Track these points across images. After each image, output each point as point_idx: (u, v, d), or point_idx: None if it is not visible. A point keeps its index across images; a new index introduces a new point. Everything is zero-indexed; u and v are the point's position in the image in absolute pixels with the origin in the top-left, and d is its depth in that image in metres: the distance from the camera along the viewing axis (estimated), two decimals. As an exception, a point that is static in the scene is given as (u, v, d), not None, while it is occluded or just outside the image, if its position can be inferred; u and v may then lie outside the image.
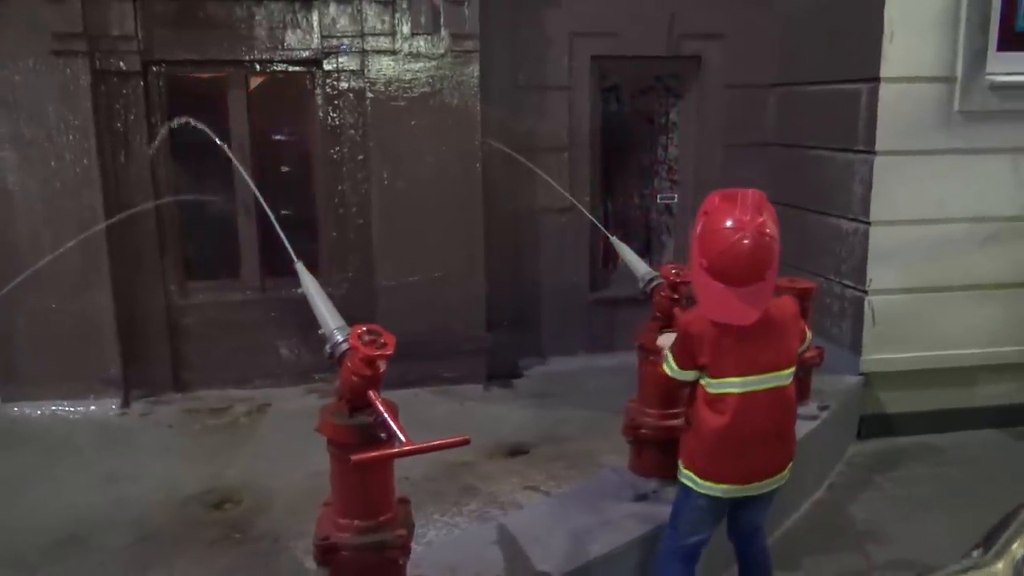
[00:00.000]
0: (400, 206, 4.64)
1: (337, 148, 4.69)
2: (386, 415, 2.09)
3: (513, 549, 2.69)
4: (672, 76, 5.24)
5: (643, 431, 3.02)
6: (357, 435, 2.14)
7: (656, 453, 3.02)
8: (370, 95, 4.54)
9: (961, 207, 4.28)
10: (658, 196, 5.39)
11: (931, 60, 4.11)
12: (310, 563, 3.03)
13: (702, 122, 5.18)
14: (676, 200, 5.32)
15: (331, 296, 4.65)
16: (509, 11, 4.72)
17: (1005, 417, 4.54)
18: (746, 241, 2.27)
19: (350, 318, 4.77)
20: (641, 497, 2.99)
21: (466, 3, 4.45)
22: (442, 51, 4.51)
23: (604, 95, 5.18)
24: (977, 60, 4.12)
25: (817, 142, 4.69)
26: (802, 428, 3.12)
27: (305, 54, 4.56)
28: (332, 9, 4.48)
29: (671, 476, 2.99)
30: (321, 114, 4.66)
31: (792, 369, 2.45)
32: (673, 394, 2.87)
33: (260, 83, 4.72)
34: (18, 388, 4.47)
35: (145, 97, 4.46)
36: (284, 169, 4.85)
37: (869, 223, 4.23)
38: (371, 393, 2.13)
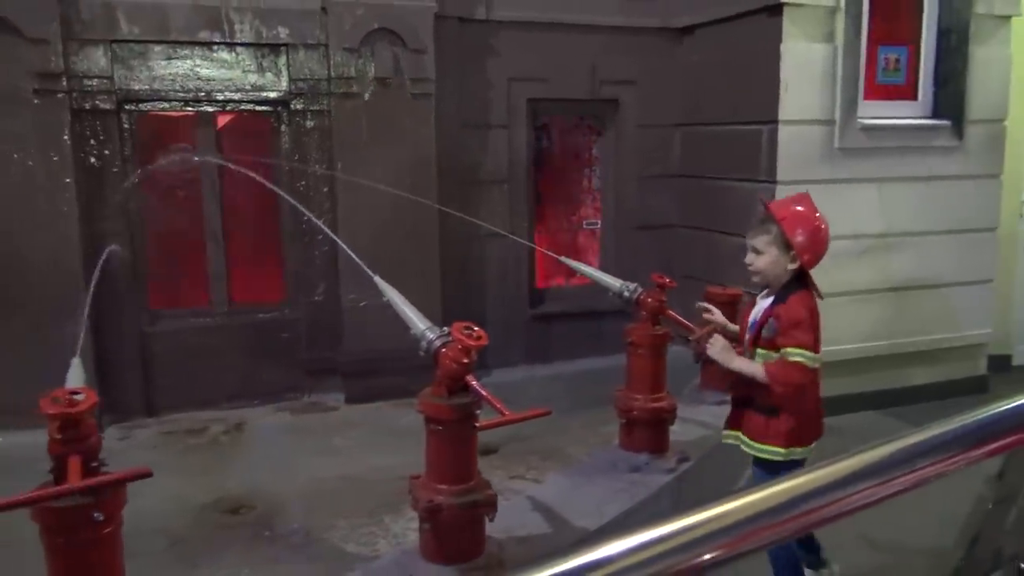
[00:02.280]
0: (363, 233, 5.06)
1: (303, 181, 5.06)
2: (484, 392, 2.57)
3: (548, 514, 3.21)
4: (594, 116, 5.97)
5: (635, 412, 3.62)
6: (456, 412, 2.61)
7: (645, 430, 3.64)
8: (335, 133, 4.96)
9: (842, 227, 5.15)
10: (584, 221, 6.07)
11: (817, 106, 5.02)
12: (350, 548, 3.45)
13: (619, 156, 5.93)
14: (599, 224, 6.03)
15: (299, 318, 5.07)
16: (457, 59, 5.28)
17: (881, 400, 5.49)
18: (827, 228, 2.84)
19: (318, 337, 5.17)
20: (635, 469, 3.58)
21: (425, 53, 4.97)
22: (403, 94, 5.00)
23: (536, 133, 5.82)
24: (850, 107, 5.08)
25: (722, 173, 5.52)
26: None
27: (273, 95, 4.92)
28: (301, 54, 4.87)
29: (659, 450, 3.63)
30: (287, 150, 5.02)
31: None
32: (659, 381, 3.49)
33: (229, 121, 5.02)
34: (-6, 418, 4.51)
35: (119, 134, 4.68)
36: (252, 201, 5.14)
37: (773, 241, 5.06)
38: (469, 377, 2.60)
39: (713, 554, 0.84)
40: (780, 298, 2.78)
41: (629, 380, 3.69)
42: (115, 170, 4.67)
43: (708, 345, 2.89)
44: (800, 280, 2.80)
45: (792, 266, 2.77)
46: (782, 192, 5.01)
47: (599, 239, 6.11)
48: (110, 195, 4.68)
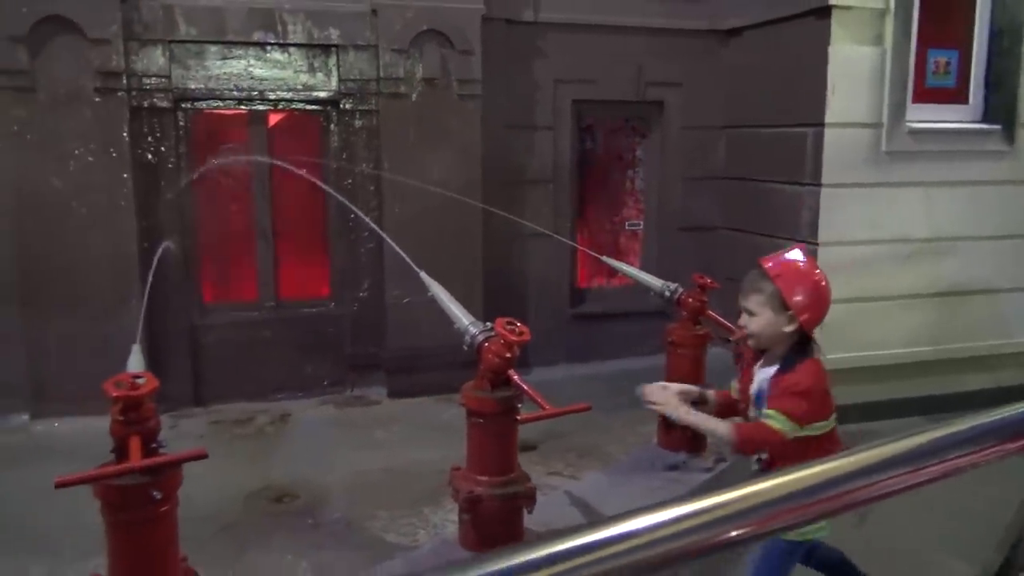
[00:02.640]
0: (408, 231, 5.14)
1: (350, 180, 5.17)
2: (526, 387, 2.63)
3: (586, 509, 3.25)
4: (639, 118, 5.99)
5: (674, 413, 3.64)
6: (498, 406, 2.67)
7: (684, 430, 3.64)
8: (383, 132, 5.06)
9: (887, 230, 5.16)
10: (626, 222, 6.10)
11: (864, 109, 4.99)
12: (390, 537, 3.54)
13: (664, 158, 5.95)
14: (641, 225, 6.05)
15: (344, 314, 5.17)
16: (503, 60, 5.34)
17: (927, 405, 5.42)
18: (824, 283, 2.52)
19: (362, 332, 5.27)
20: (672, 467, 3.61)
21: (472, 55, 5.04)
22: (450, 94, 5.08)
23: (581, 134, 5.86)
24: (898, 110, 5.03)
25: (766, 176, 5.51)
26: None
27: (323, 95, 5.04)
28: (351, 55, 4.98)
29: (696, 449, 3.65)
30: (336, 149, 5.13)
31: None
32: (699, 380, 3.50)
33: (280, 119, 5.15)
34: (47, 405, 4.69)
35: (175, 132, 4.83)
36: (300, 198, 5.27)
37: (818, 243, 5.05)
38: (511, 372, 2.66)
39: (741, 531, 0.88)
40: (785, 368, 2.47)
41: (669, 378, 3.70)
42: (170, 167, 4.82)
43: (649, 396, 2.65)
44: (803, 344, 2.48)
45: (790, 328, 2.44)
46: (826, 195, 5.00)
47: (641, 240, 6.12)
48: (165, 191, 4.83)
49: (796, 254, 2.59)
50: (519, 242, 5.61)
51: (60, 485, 1.92)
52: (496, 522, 2.74)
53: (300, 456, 4.51)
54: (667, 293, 3.74)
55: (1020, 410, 1.18)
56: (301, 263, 5.42)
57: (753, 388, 2.60)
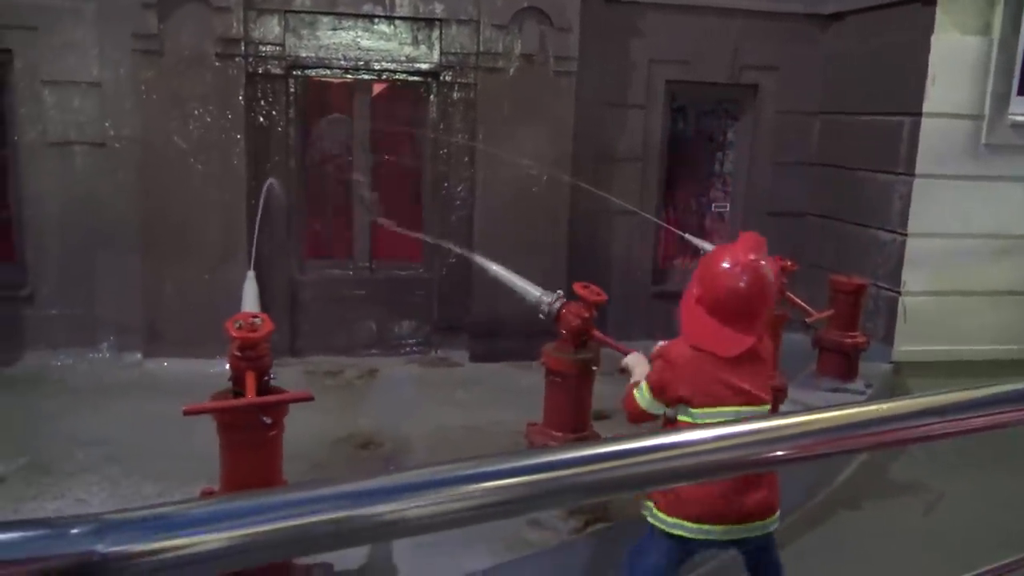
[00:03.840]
0: (499, 201, 5.33)
1: (446, 150, 5.38)
2: (611, 341, 2.77)
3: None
4: (731, 101, 6.01)
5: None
6: (579, 367, 2.83)
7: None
8: (480, 105, 5.24)
9: (982, 225, 5.07)
10: (712, 205, 6.15)
11: (964, 100, 4.91)
12: (468, 488, 3.75)
13: (755, 142, 5.96)
14: (728, 209, 6.09)
15: (433, 279, 5.39)
16: (599, 38, 5.44)
17: (1010, 405, 5.33)
18: (744, 281, 2.35)
19: (448, 298, 5.49)
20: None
21: (570, 32, 5.17)
22: (546, 71, 5.22)
23: (672, 115, 5.93)
24: (1001, 102, 4.93)
25: (858, 164, 5.47)
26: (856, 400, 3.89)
27: (425, 66, 5.25)
28: (453, 29, 5.17)
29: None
30: (434, 120, 5.35)
31: (768, 406, 2.47)
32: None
33: (383, 89, 5.39)
34: (160, 346, 5.08)
35: (286, 97, 5.12)
36: (398, 165, 5.51)
37: (906, 235, 5.01)
38: (594, 329, 2.81)
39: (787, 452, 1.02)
40: None
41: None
42: (279, 130, 5.12)
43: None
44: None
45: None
46: (919, 186, 4.96)
47: (727, 223, 6.16)
48: (274, 152, 5.13)
49: (739, 241, 2.50)
50: (605, 218, 5.73)
51: (188, 413, 2.18)
52: (568, 475, 2.91)
53: (385, 409, 4.77)
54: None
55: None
56: (398, 227, 5.67)
57: None
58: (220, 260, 5.02)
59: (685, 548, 2.46)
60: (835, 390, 4.36)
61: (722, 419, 2.29)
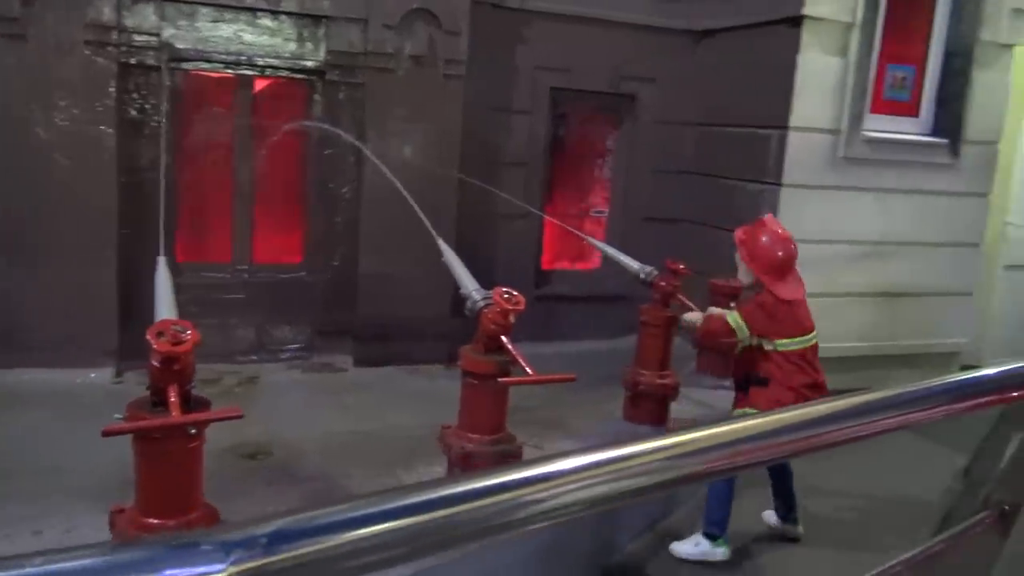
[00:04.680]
0: (386, 203, 5.25)
1: (331, 150, 5.27)
2: (516, 353, 2.82)
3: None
4: (611, 109, 6.21)
5: (641, 387, 3.89)
6: (493, 368, 2.85)
7: (650, 404, 3.91)
8: (368, 106, 5.16)
9: (840, 232, 5.48)
10: (591, 210, 6.33)
11: (825, 116, 5.30)
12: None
13: (633, 150, 6.18)
14: (606, 213, 6.28)
15: (315, 281, 5.27)
16: (488, 43, 5.48)
17: (863, 398, 5.79)
18: (788, 243, 3.54)
19: (332, 301, 5.37)
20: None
21: (459, 35, 5.18)
22: (435, 73, 5.21)
23: (555, 121, 6.05)
24: (857, 119, 5.35)
25: (730, 173, 5.78)
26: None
27: (311, 64, 5.12)
28: (341, 27, 5.07)
29: (660, 423, 3.90)
30: (320, 118, 5.22)
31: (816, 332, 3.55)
32: (667, 359, 3.76)
33: (266, 86, 5.22)
34: (20, 355, 4.69)
35: (161, 90, 4.86)
36: (281, 164, 5.33)
37: (775, 240, 5.34)
38: (504, 338, 2.85)
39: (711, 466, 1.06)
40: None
41: (638, 356, 3.95)
42: (154, 125, 4.85)
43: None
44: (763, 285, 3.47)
45: (751, 279, 3.53)
46: (785, 194, 5.30)
47: (605, 227, 6.35)
48: (148, 149, 4.86)
49: (762, 222, 3.66)
50: (490, 222, 5.79)
51: (107, 434, 2.03)
52: (484, 477, 2.93)
53: (270, 416, 4.59)
54: (642, 275, 3.98)
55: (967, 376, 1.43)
56: (277, 229, 5.50)
57: None
58: (87, 263, 4.71)
59: None
60: (716, 387, 4.59)
61: (796, 346, 3.42)
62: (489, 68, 5.56)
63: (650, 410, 3.92)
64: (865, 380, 5.44)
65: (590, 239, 4.51)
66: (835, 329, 5.55)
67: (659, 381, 3.88)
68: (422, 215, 3.63)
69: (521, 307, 2.92)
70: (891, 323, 5.79)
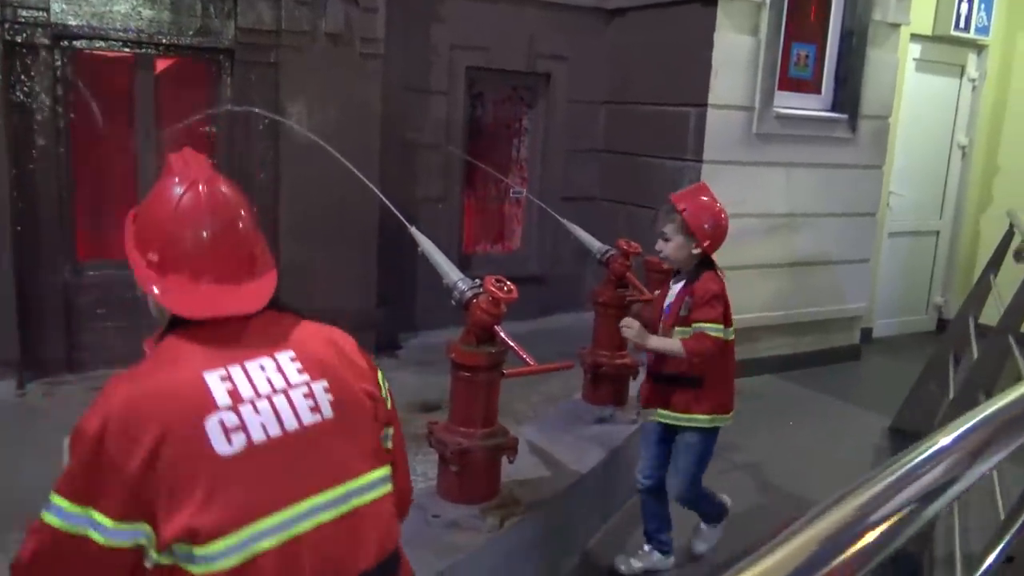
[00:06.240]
0: (305, 190, 5.02)
1: (245, 135, 4.95)
2: (512, 342, 2.74)
3: (539, 459, 3.40)
4: (527, 88, 6.15)
5: (603, 368, 3.89)
6: (487, 360, 2.76)
7: (611, 385, 3.91)
8: (282, 86, 4.88)
9: (755, 206, 5.66)
10: (511, 190, 6.27)
11: (740, 93, 5.44)
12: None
13: (548, 129, 6.16)
14: (524, 193, 6.24)
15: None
16: (403, 22, 5.30)
17: (776, 365, 6.05)
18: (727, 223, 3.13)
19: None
20: (601, 420, 3.85)
21: (376, 12, 4.97)
22: (352, 52, 4.98)
23: (472, 101, 5.94)
24: (768, 96, 5.53)
25: (647, 151, 5.86)
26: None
27: (218, 43, 4.78)
28: (251, 3, 4.75)
29: (621, 403, 3.92)
30: (230, 100, 4.89)
31: None
32: (624, 339, 3.74)
33: (170, 66, 4.83)
34: None
35: (52, 72, 4.41)
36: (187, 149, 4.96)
37: (697, 216, 5.45)
38: (497, 327, 2.76)
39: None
40: (692, 279, 3.06)
41: (596, 338, 3.94)
42: (45, 111, 4.40)
43: (625, 328, 3.06)
44: (706, 262, 3.09)
45: (696, 251, 3.03)
46: (706, 171, 5.42)
47: (523, 208, 6.32)
48: (39, 137, 4.41)
49: (700, 190, 3.27)
50: (412, 205, 5.61)
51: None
52: (481, 472, 2.84)
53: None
54: (599, 256, 3.97)
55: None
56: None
57: (667, 301, 3.19)
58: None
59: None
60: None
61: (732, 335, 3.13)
62: (406, 47, 5.38)
63: (612, 391, 3.92)
64: (778, 347, 5.68)
65: (559, 217, 4.42)
66: (749, 301, 5.76)
67: (619, 361, 3.88)
68: (385, 200, 3.44)
69: (514, 296, 2.83)
70: (799, 292, 6.06)
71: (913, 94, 6.83)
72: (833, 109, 5.96)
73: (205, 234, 1.43)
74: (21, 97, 4.34)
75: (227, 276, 1.44)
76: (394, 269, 5.63)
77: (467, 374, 2.79)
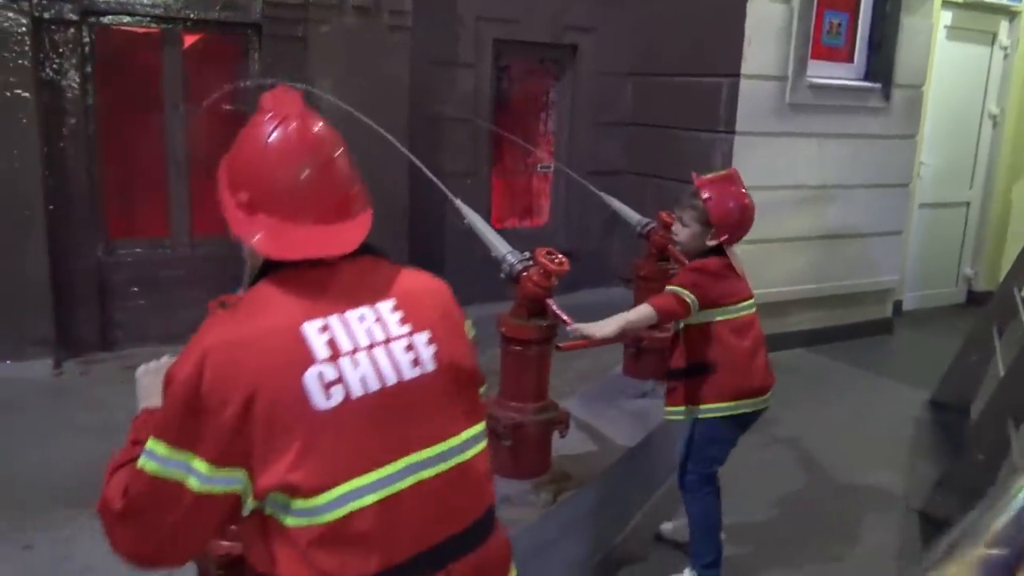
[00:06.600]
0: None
1: (273, 110, 4.89)
2: (564, 315, 2.70)
3: (587, 433, 3.38)
4: (553, 61, 6.06)
5: (645, 342, 3.85)
6: (539, 333, 2.73)
7: (653, 358, 3.87)
8: (309, 60, 4.82)
9: (787, 178, 5.59)
10: (538, 165, 6.20)
11: (773, 63, 5.35)
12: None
13: (575, 102, 6.08)
14: (552, 168, 6.18)
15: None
16: (429, -7, 5.23)
17: (809, 338, 6.00)
18: (751, 206, 2.89)
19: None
20: (643, 395, 3.82)
21: (403, -17, 4.90)
22: (380, 25, 4.91)
23: (499, 74, 5.86)
24: (801, 65, 5.44)
25: (676, 123, 5.78)
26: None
27: (246, 17, 4.71)
28: (278, -24, 4.69)
29: (661, 378, 3.87)
30: (258, 76, 4.83)
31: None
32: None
33: (197, 41, 4.78)
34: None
35: (81, 48, 4.36)
36: (218, 126, 4.90)
37: (729, 188, 5.39)
38: (549, 300, 2.72)
39: None
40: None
41: (638, 312, 3.89)
42: (75, 87, 4.35)
43: (575, 329, 2.67)
44: (716, 249, 2.83)
45: (712, 243, 2.80)
46: (739, 142, 5.34)
47: (551, 182, 6.26)
48: (71, 114, 4.37)
49: (730, 178, 2.93)
50: (441, 180, 5.56)
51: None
52: (534, 447, 2.82)
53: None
54: (639, 229, 3.91)
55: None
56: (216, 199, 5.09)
57: None
58: (11, 243, 4.22)
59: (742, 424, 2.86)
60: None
61: (746, 311, 2.88)
62: (432, 20, 5.30)
63: (654, 365, 3.88)
64: (810, 321, 5.62)
65: (596, 190, 4.35)
66: (780, 274, 5.72)
67: (660, 335, 3.84)
68: (430, 174, 3.38)
69: (566, 268, 2.78)
70: (831, 264, 5.99)
71: (944, 62, 6.70)
72: (865, 78, 5.87)
73: (296, 172, 1.36)
74: (51, 74, 4.29)
75: (320, 216, 1.36)
76: (423, 247, 5.59)
77: (518, 348, 2.75)
